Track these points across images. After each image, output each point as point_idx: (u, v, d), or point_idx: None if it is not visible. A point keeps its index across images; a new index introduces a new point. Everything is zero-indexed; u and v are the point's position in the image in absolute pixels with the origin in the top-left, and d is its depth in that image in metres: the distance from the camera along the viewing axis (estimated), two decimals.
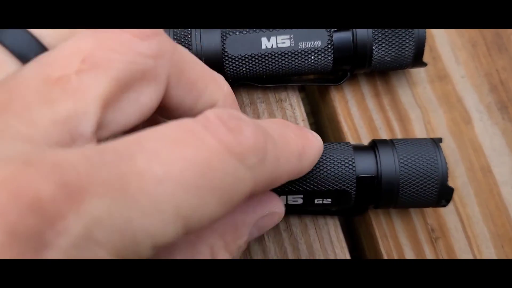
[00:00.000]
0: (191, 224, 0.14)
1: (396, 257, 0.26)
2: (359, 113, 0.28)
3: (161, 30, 0.18)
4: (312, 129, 0.27)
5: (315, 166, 0.22)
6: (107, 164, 0.13)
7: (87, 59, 0.15)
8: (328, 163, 0.23)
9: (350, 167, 0.23)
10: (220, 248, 0.19)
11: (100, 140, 0.16)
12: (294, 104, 0.28)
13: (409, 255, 0.26)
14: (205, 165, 0.14)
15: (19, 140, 0.14)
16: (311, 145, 0.20)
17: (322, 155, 0.23)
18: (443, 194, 0.23)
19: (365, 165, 0.23)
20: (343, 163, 0.23)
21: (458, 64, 0.29)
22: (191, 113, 0.20)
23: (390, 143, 0.24)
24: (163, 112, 0.20)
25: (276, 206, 0.22)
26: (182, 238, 0.17)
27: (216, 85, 0.21)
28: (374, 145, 0.24)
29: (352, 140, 0.28)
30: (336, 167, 0.23)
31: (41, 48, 0.18)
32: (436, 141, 0.24)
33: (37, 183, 0.11)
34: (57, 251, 0.12)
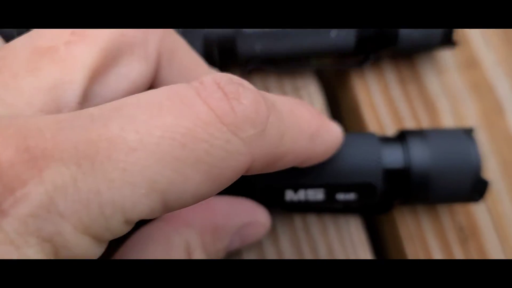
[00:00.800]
0: (171, 200, 0.13)
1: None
2: (383, 101, 0.26)
3: None
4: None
5: (336, 158, 0.21)
6: (76, 128, 0.12)
7: (76, 30, 0.15)
8: (352, 155, 0.21)
9: (376, 158, 0.21)
10: (197, 246, 0.19)
11: None
12: (312, 93, 0.26)
13: (438, 256, 0.24)
14: (188, 134, 0.12)
15: (1, 107, 0.14)
16: (327, 129, 0.18)
17: (344, 146, 0.21)
18: (477, 187, 0.22)
19: (392, 157, 0.22)
20: (368, 154, 0.21)
21: (489, 50, 0.27)
22: None
23: (419, 134, 0.22)
24: None
25: (261, 216, 0.21)
26: (157, 229, 0.18)
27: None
28: (402, 136, 0.22)
29: (374, 131, 0.26)
30: (360, 159, 0.21)
31: None
32: (468, 132, 0.22)
33: None
34: (13, 220, 0.11)
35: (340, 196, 0.21)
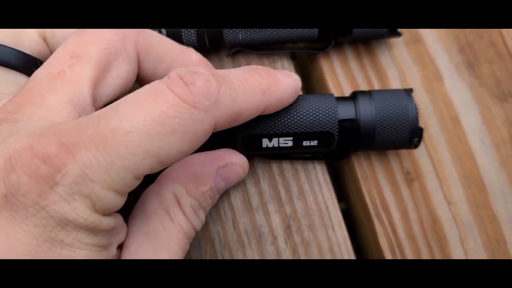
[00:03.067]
0: (162, 159, 0.19)
1: (376, 196, 0.30)
2: (343, 72, 0.32)
3: None
4: (303, 92, 0.31)
5: (302, 112, 0.26)
6: (90, 126, 0.18)
7: (73, 55, 0.22)
8: (314, 110, 0.26)
9: (333, 112, 0.26)
10: (182, 193, 0.24)
11: (98, 109, 0.21)
12: (285, 65, 0.32)
13: (388, 194, 0.30)
14: (163, 115, 0.18)
15: (41, 120, 0.20)
16: (278, 83, 0.24)
17: (308, 104, 0.26)
18: (414, 134, 0.27)
19: (346, 111, 0.27)
20: (327, 109, 0.26)
21: (431, 29, 0.33)
22: None
23: (368, 93, 0.27)
24: (144, 83, 0.25)
25: (234, 158, 0.26)
26: (151, 190, 0.24)
27: (185, 56, 0.26)
28: (354, 95, 0.27)
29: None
30: (321, 113, 0.26)
31: (22, 55, 0.24)
32: (408, 91, 0.27)
33: (45, 146, 0.18)
34: (63, 187, 0.17)
35: (306, 143, 0.27)
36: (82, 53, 0.22)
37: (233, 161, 0.26)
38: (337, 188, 0.31)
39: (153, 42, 0.25)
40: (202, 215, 0.25)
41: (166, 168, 0.25)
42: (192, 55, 0.26)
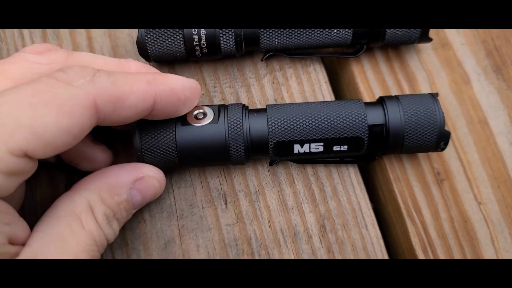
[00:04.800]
0: (39, 131, 0.19)
1: (407, 196, 0.31)
2: (374, 75, 0.33)
3: (56, 48, 0.26)
4: (330, 95, 0.32)
5: (332, 118, 0.27)
6: None
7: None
8: (344, 116, 0.27)
9: (363, 117, 0.27)
10: (96, 201, 0.24)
11: None
12: (317, 69, 0.33)
13: (419, 194, 0.31)
14: (36, 89, 0.20)
15: None
16: (166, 76, 0.25)
17: (338, 109, 0.27)
18: (441, 138, 0.27)
19: (375, 116, 0.27)
20: (356, 114, 0.27)
21: (459, 33, 0.34)
22: None
23: (395, 98, 0.28)
24: None
25: (150, 171, 0.27)
26: (64, 196, 0.25)
27: (123, 68, 0.27)
28: (382, 100, 0.28)
29: (368, 98, 0.32)
30: (351, 118, 0.27)
31: None
32: (434, 95, 0.28)
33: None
34: None
35: (336, 148, 0.28)
36: (3, 70, 0.24)
37: (151, 174, 0.27)
38: (370, 189, 0.32)
39: (86, 62, 0.26)
40: (116, 226, 0.25)
41: (83, 179, 0.26)
42: (130, 65, 0.27)
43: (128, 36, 0.33)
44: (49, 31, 0.33)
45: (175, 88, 0.25)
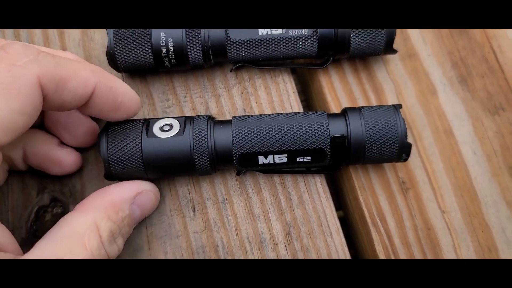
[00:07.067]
0: None
1: (372, 205, 0.31)
2: (341, 86, 0.33)
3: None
4: (303, 105, 0.32)
5: (295, 130, 0.27)
6: None
7: None
8: (307, 128, 0.28)
9: (325, 129, 0.28)
10: (103, 218, 0.25)
11: None
12: (286, 79, 0.34)
13: (384, 203, 0.31)
14: None
15: None
16: (108, 75, 0.26)
17: (301, 121, 0.27)
18: (403, 149, 0.28)
19: (337, 128, 0.28)
20: (319, 126, 0.28)
21: (425, 44, 0.35)
22: None
23: (358, 110, 0.29)
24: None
25: (147, 186, 0.28)
26: (69, 216, 0.25)
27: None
28: (345, 112, 0.29)
29: (335, 109, 0.33)
30: (313, 130, 0.28)
31: None
32: (397, 107, 0.28)
33: None
34: None
35: (300, 159, 0.28)
36: None
37: (148, 188, 0.28)
38: (336, 197, 0.32)
39: None
40: (121, 242, 0.26)
41: (86, 198, 0.26)
42: (68, 56, 0.28)
43: (102, 47, 0.34)
44: (23, 38, 0.34)
45: (115, 88, 0.26)
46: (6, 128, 0.21)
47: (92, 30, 0.34)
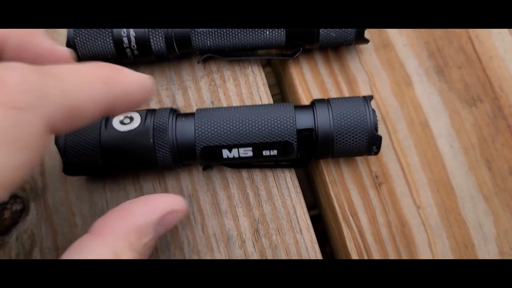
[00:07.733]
0: None
1: (344, 200, 0.30)
2: (312, 78, 0.32)
3: None
4: (277, 98, 0.31)
5: (260, 123, 0.26)
6: None
7: None
8: (273, 120, 0.26)
9: (291, 122, 0.26)
10: (124, 249, 0.21)
11: None
12: (255, 71, 0.32)
13: (356, 198, 0.30)
14: None
15: None
16: (122, 72, 0.20)
17: (267, 113, 0.26)
18: (373, 142, 0.27)
19: (304, 120, 0.27)
20: (285, 119, 0.26)
21: (401, 34, 0.33)
22: None
23: (326, 102, 0.27)
24: None
25: (176, 204, 0.24)
26: (86, 242, 0.21)
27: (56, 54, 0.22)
28: (313, 104, 0.28)
29: (306, 101, 0.32)
30: (279, 123, 0.26)
31: None
32: (367, 98, 0.27)
33: None
34: None
35: (266, 153, 0.27)
36: None
37: (174, 207, 0.24)
38: (311, 193, 0.31)
39: None
40: None
41: (105, 218, 0.23)
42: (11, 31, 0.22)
43: (66, 38, 0.33)
44: None
45: (132, 90, 0.21)
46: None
47: None
